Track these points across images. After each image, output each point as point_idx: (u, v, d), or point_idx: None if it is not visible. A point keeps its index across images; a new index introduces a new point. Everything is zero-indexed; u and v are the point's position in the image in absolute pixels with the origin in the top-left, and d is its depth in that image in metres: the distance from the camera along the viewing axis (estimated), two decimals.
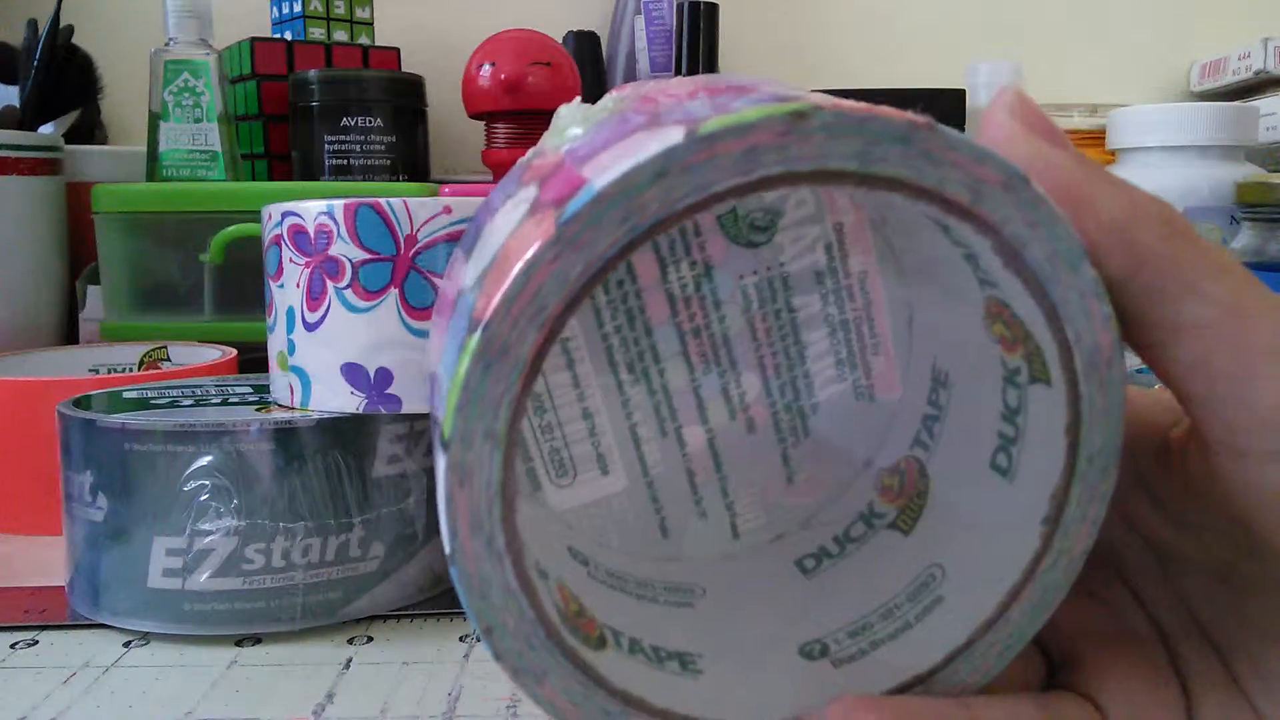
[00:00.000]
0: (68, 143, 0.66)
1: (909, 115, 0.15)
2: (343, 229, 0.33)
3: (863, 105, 0.15)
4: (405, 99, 0.67)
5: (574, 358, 0.22)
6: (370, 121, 0.65)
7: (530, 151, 0.19)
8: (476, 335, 0.15)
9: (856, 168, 0.15)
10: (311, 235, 0.33)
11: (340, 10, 0.72)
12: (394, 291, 0.33)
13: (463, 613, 0.34)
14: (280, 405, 0.35)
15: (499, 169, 0.66)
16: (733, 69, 0.84)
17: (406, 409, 0.33)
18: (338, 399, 0.34)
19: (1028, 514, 0.18)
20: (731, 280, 0.21)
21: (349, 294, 0.33)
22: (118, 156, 0.69)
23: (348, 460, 0.33)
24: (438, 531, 0.35)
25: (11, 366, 0.50)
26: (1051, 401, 0.17)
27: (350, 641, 0.32)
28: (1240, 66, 0.77)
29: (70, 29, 0.68)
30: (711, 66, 0.74)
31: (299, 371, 0.35)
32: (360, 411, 0.33)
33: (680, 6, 0.74)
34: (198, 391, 0.38)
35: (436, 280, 0.33)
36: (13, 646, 0.32)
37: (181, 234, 0.59)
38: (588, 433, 0.22)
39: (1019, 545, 0.18)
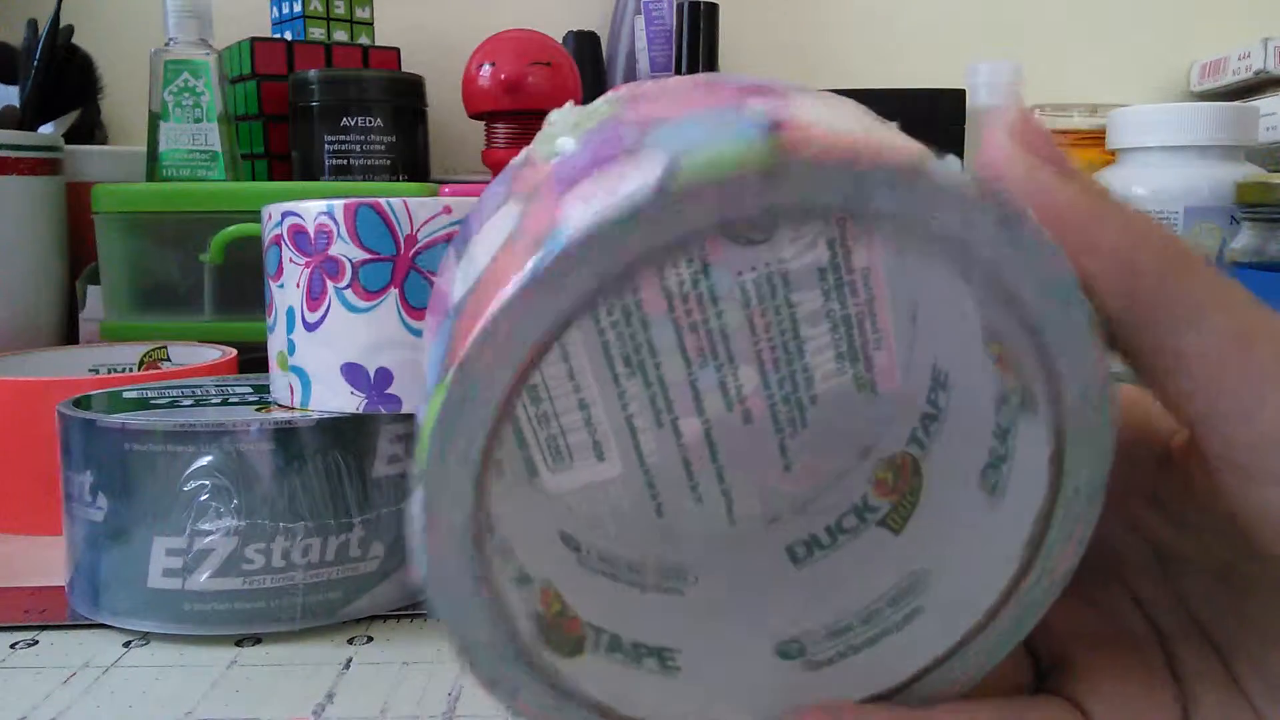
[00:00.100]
0: (68, 143, 0.66)
1: (897, 157, 0.15)
2: (343, 229, 0.33)
3: (849, 139, 0.15)
4: (405, 99, 0.67)
5: (570, 352, 0.22)
6: (370, 121, 0.65)
7: (522, 154, 0.19)
8: (450, 376, 0.15)
9: (843, 206, 0.15)
10: (311, 235, 0.33)
11: (340, 10, 0.72)
12: (394, 291, 0.33)
13: None
14: (280, 405, 0.35)
15: (499, 169, 0.66)
16: (733, 69, 0.84)
17: (406, 409, 0.33)
18: (338, 399, 0.34)
19: (1012, 533, 0.18)
20: (730, 277, 0.21)
21: (349, 294, 0.33)
22: (118, 156, 0.69)
23: (348, 460, 0.33)
24: None
25: (11, 366, 0.50)
26: (1038, 430, 0.17)
27: (350, 641, 0.32)
28: (1240, 66, 0.77)
29: (70, 29, 0.68)
30: (711, 66, 0.74)
31: (299, 371, 0.35)
32: (360, 411, 0.33)
33: (680, 6, 0.74)
34: (198, 391, 0.38)
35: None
36: (13, 646, 0.32)
37: (181, 234, 0.59)
38: (584, 422, 0.22)
39: (1001, 563, 0.18)
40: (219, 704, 0.29)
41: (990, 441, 0.19)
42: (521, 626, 0.17)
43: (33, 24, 0.68)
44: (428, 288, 0.33)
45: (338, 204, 0.33)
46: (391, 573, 0.34)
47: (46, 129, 0.69)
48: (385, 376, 0.33)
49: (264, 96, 0.69)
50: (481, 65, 0.63)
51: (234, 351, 0.51)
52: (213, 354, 0.51)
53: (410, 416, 0.34)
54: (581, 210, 0.15)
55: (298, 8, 0.71)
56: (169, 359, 0.54)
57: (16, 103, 0.68)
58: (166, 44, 0.62)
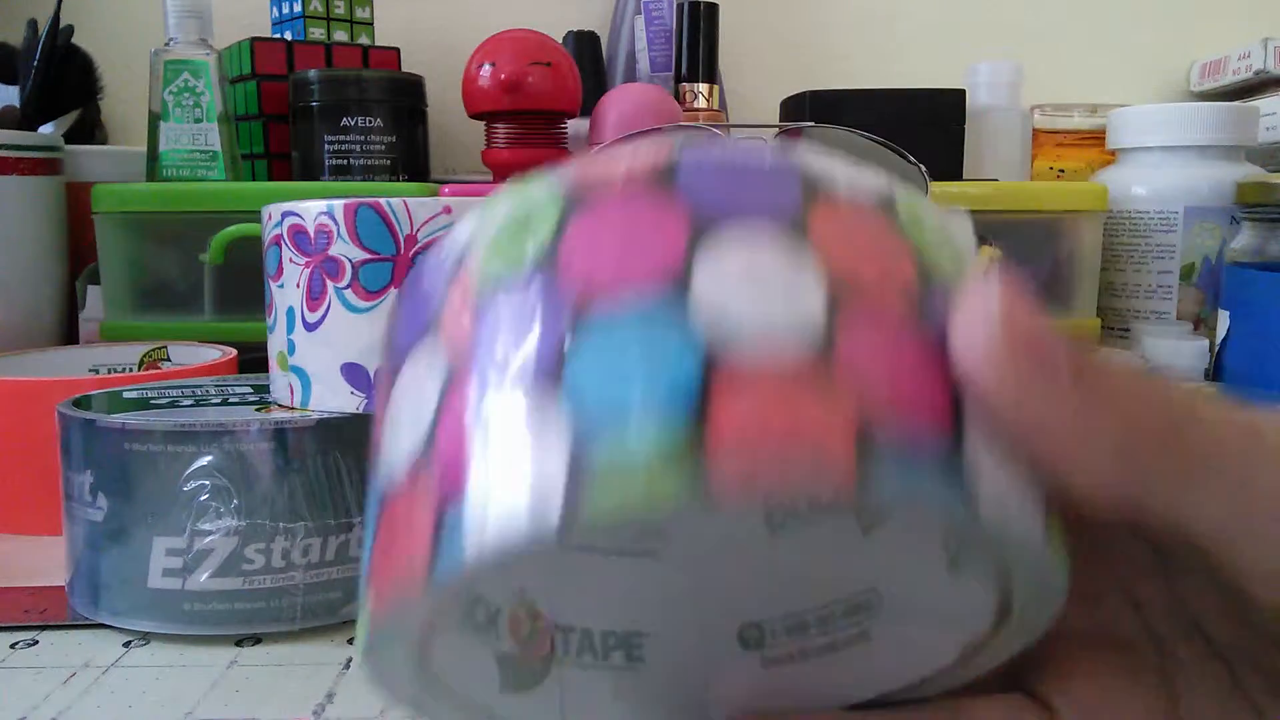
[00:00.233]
0: (68, 143, 0.66)
1: (830, 474, 0.13)
2: (343, 229, 0.33)
3: (780, 437, 0.13)
4: (405, 99, 0.67)
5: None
6: (370, 121, 0.65)
7: (457, 242, 0.16)
8: (365, 621, 0.15)
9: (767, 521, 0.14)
10: (311, 235, 0.33)
11: (340, 10, 0.72)
12: (394, 291, 0.33)
13: None
14: (280, 405, 0.35)
15: (499, 169, 0.66)
16: (733, 69, 0.84)
17: None
18: (338, 399, 0.34)
19: (978, 603, 0.18)
20: None
21: (349, 294, 0.33)
22: (118, 156, 0.69)
23: (348, 460, 0.33)
24: None
25: (11, 366, 0.50)
26: (983, 593, 0.17)
27: (350, 641, 0.32)
28: (1240, 66, 0.77)
29: (70, 29, 0.68)
30: (711, 66, 0.74)
31: (299, 371, 0.35)
32: (360, 411, 0.33)
33: (680, 6, 0.74)
34: (198, 391, 0.38)
35: None
36: (13, 646, 0.32)
37: (181, 234, 0.59)
38: None
39: (964, 624, 0.18)
40: (219, 704, 0.28)
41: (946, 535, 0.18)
42: (486, 682, 0.18)
43: (33, 24, 0.68)
44: None
45: (338, 204, 0.33)
46: None
47: (46, 129, 0.69)
48: None
49: (264, 96, 0.69)
50: (481, 65, 0.63)
51: (234, 351, 0.51)
52: (213, 354, 0.51)
53: None
54: (479, 518, 0.13)
55: (298, 8, 0.71)
56: (169, 359, 0.54)
57: (16, 103, 0.68)
58: (166, 44, 0.62)
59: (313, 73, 0.66)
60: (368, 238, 0.33)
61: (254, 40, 0.68)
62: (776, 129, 0.56)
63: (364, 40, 0.74)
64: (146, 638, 0.33)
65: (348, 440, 0.33)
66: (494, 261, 0.15)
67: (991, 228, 0.62)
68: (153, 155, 0.63)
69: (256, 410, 0.34)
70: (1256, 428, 0.15)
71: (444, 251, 0.16)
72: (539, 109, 0.64)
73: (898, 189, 0.16)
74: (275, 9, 0.73)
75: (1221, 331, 0.58)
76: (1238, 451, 0.15)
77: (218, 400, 0.36)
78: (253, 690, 0.29)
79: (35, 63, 0.66)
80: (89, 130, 0.74)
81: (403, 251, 0.33)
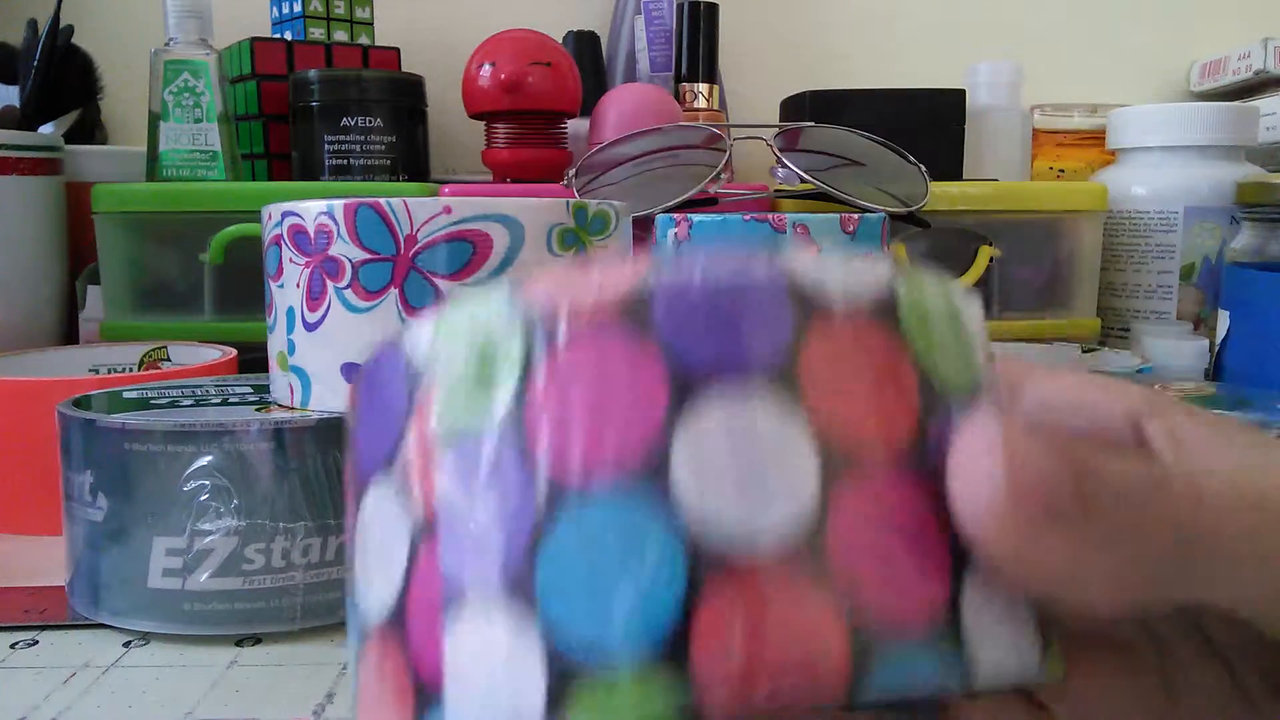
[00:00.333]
0: (68, 143, 0.66)
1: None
2: (343, 229, 0.33)
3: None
4: (405, 99, 0.67)
5: None
6: (370, 121, 0.65)
7: (418, 362, 0.15)
8: None
9: None
10: (311, 235, 0.33)
11: (340, 10, 0.72)
12: (394, 291, 0.33)
13: None
14: (280, 405, 0.35)
15: (499, 169, 0.66)
16: (733, 69, 0.84)
17: None
18: (338, 399, 0.34)
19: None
20: None
21: (349, 294, 0.33)
22: (118, 156, 0.69)
23: (347, 459, 0.33)
24: None
25: (11, 366, 0.50)
26: None
27: None
28: (1240, 66, 0.77)
29: (70, 29, 0.68)
30: (711, 66, 0.74)
31: (299, 371, 0.35)
32: None
33: (680, 6, 0.74)
34: (198, 391, 0.38)
35: (437, 280, 0.33)
36: (13, 646, 0.32)
37: (181, 234, 0.59)
38: None
39: None
40: (219, 704, 0.28)
41: None
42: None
43: (33, 24, 0.68)
44: (428, 288, 0.33)
45: (338, 204, 0.33)
46: None
47: (46, 129, 0.69)
48: None
49: (264, 96, 0.69)
50: (481, 65, 0.63)
51: (234, 351, 0.51)
52: (213, 354, 0.51)
53: None
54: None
55: (298, 8, 0.71)
56: (169, 359, 0.54)
57: (16, 103, 0.68)
58: (166, 44, 0.62)
59: (313, 73, 0.66)
60: (368, 238, 0.33)
61: (254, 40, 0.68)
62: (776, 129, 0.56)
63: (364, 40, 0.74)
64: (146, 638, 0.33)
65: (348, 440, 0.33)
66: (454, 410, 0.14)
67: (991, 228, 0.62)
68: (153, 155, 0.63)
69: (256, 410, 0.34)
70: (1262, 496, 0.15)
71: (403, 356, 0.15)
72: (539, 109, 0.64)
73: (899, 279, 0.14)
74: (275, 9, 0.73)
75: (1221, 331, 0.58)
76: (1248, 533, 0.14)
77: (218, 400, 0.36)
78: (253, 690, 0.29)
79: (35, 63, 0.66)
80: (89, 130, 0.74)
81: (403, 251, 0.33)
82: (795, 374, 0.13)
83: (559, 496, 0.13)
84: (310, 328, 0.34)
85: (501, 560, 0.13)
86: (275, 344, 0.36)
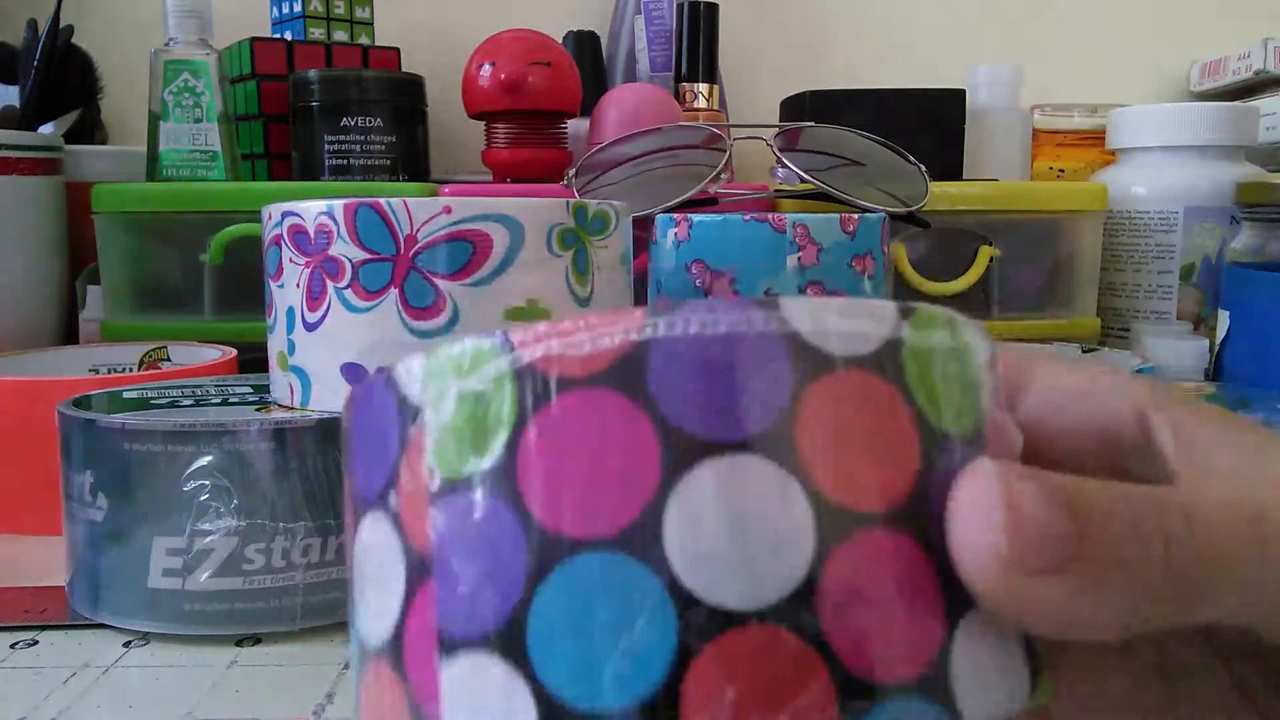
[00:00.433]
0: (68, 143, 0.66)
1: None
2: (343, 229, 0.33)
3: None
4: (405, 99, 0.67)
5: None
6: (370, 121, 0.65)
7: (413, 394, 0.14)
8: None
9: None
10: (311, 235, 0.33)
11: (340, 10, 0.72)
12: (394, 291, 0.33)
13: None
14: (280, 405, 0.35)
15: (499, 169, 0.66)
16: (733, 69, 0.84)
17: None
18: (338, 399, 0.34)
19: None
20: None
21: (349, 294, 0.33)
22: (118, 156, 0.69)
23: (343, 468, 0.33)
24: None
25: (11, 366, 0.50)
26: None
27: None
28: (1240, 66, 0.77)
29: (70, 29, 0.68)
30: (711, 66, 0.74)
31: (299, 371, 0.35)
32: None
33: (680, 6, 0.74)
34: (198, 391, 0.38)
35: (437, 280, 0.33)
36: (13, 646, 0.32)
37: (181, 234, 0.59)
38: None
39: None
40: (219, 704, 0.29)
41: None
42: None
43: (33, 24, 0.68)
44: (428, 288, 0.33)
45: (338, 204, 0.33)
46: None
47: (46, 129, 0.69)
48: None
49: (264, 96, 0.69)
50: (481, 65, 0.63)
51: (234, 351, 0.51)
52: (213, 354, 0.51)
53: None
54: None
55: (298, 8, 0.71)
56: (169, 359, 0.54)
57: (16, 103, 0.68)
58: (166, 44, 0.62)
59: (313, 73, 0.66)
60: (368, 238, 0.33)
61: (254, 40, 0.68)
62: (776, 129, 0.56)
63: (364, 40, 0.74)
64: (146, 638, 0.33)
65: None
66: (446, 459, 0.14)
67: (991, 228, 0.62)
68: (153, 155, 0.63)
69: (256, 410, 0.34)
70: (1262, 507, 0.15)
71: (396, 391, 0.15)
72: (539, 109, 0.64)
73: (903, 324, 0.14)
74: (275, 9, 0.73)
75: (1221, 331, 0.58)
76: (1247, 545, 0.14)
77: (218, 400, 0.36)
78: (253, 690, 0.29)
79: (35, 63, 0.66)
80: (89, 130, 0.74)
81: (403, 251, 0.33)
82: (791, 431, 0.13)
83: (550, 554, 0.13)
84: (310, 328, 0.34)
85: (493, 619, 0.13)
86: (275, 344, 0.36)
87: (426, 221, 0.32)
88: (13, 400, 0.42)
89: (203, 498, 0.32)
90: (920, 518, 0.14)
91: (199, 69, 0.62)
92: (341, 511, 0.33)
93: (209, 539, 0.32)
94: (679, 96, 0.73)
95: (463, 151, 0.82)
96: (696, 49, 0.74)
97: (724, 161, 0.54)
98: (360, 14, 0.74)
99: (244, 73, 0.69)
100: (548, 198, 0.35)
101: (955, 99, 0.67)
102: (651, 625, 0.12)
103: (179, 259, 0.60)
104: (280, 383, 0.36)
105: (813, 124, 0.58)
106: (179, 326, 0.59)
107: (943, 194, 0.61)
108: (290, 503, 0.32)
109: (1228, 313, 0.58)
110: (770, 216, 0.45)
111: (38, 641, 0.33)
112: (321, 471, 0.32)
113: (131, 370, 0.54)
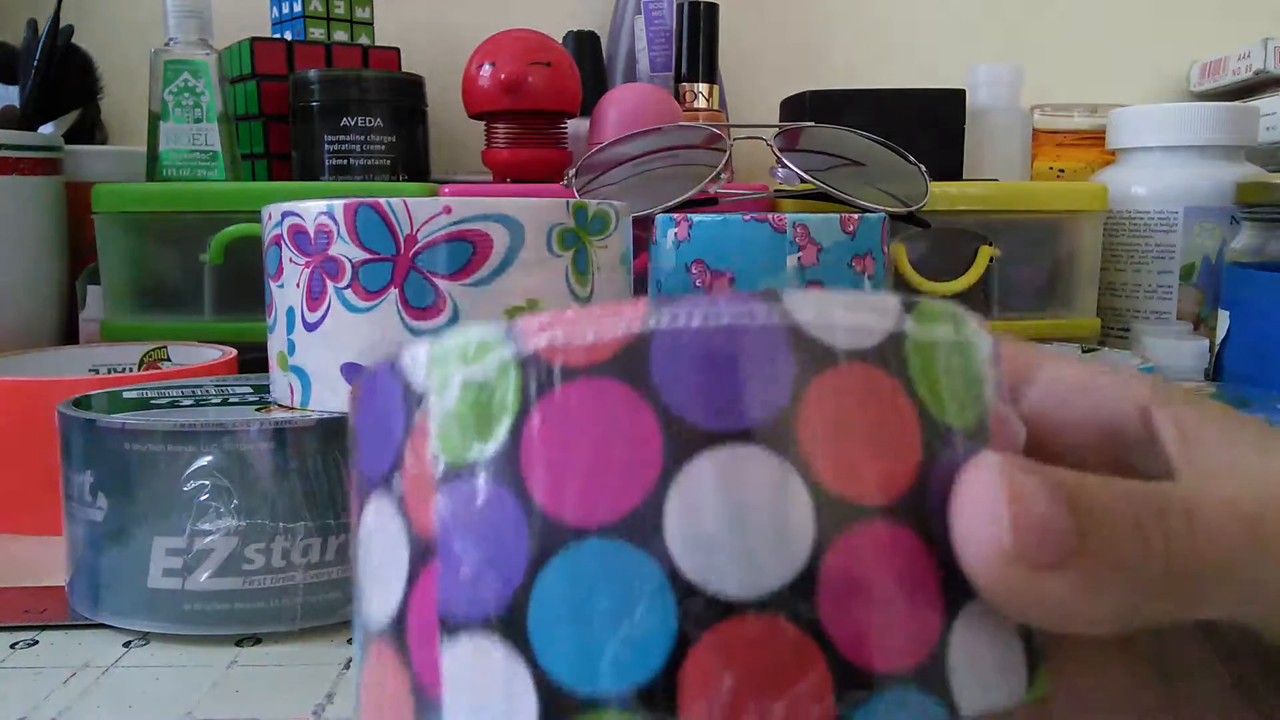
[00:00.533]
0: (68, 143, 0.66)
1: None
2: (343, 229, 0.33)
3: None
4: (405, 99, 0.67)
5: None
6: (370, 121, 0.65)
7: (418, 381, 0.14)
8: None
9: None
10: (311, 235, 0.33)
11: (340, 10, 0.72)
12: (394, 291, 0.33)
13: None
14: (280, 405, 0.35)
15: (499, 169, 0.66)
16: (733, 69, 0.84)
17: None
18: (338, 399, 0.34)
19: None
20: None
21: (349, 294, 0.33)
22: (118, 156, 0.69)
23: (348, 460, 0.33)
24: None
25: (11, 366, 0.50)
26: None
27: (350, 641, 0.32)
28: (1240, 66, 0.77)
29: (70, 29, 0.68)
30: (711, 66, 0.74)
31: (299, 371, 0.35)
32: None
33: (680, 6, 0.74)
34: (198, 391, 0.38)
35: (437, 280, 0.33)
36: (13, 646, 0.32)
37: (181, 234, 0.59)
38: None
39: None
40: (219, 704, 0.29)
41: None
42: None
43: (33, 24, 0.68)
44: (428, 288, 0.33)
45: (338, 204, 0.33)
46: None
47: (46, 129, 0.69)
48: None
49: (264, 96, 0.69)
50: (481, 65, 0.63)
51: (234, 351, 0.51)
52: (213, 354, 0.51)
53: None
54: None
55: (298, 8, 0.71)
56: (169, 359, 0.54)
57: (16, 103, 0.68)
58: (166, 44, 0.62)
59: (313, 73, 0.66)
60: (368, 238, 0.33)
61: (254, 40, 0.68)
62: (776, 129, 0.56)
63: (364, 40, 0.74)
64: (146, 638, 0.33)
65: (348, 440, 0.33)
66: (450, 446, 0.14)
67: (991, 228, 0.62)
68: (153, 155, 0.63)
69: (256, 410, 0.34)
70: (1261, 506, 0.15)
71: (401, 376, 0.15)
72: (539, 109, 0.64)
73: (905, 317, 0.14)
74: (275, 9, 0.73)
75: (1221, 331, 0.58)
76: (1246, 545, 0.14)
77: (218, 400, 0.36)
78: (253, 690, 0.29)
79: (35, 63, 0.66)
80: (89, 130, 0.74)
81: (403, 251, 0.33)
82: (793, 423, 0.13)
83: (552, 540, 0.13)
84: (310, 328, 0.34)
85: (494, 602, 0.13)
86: (275, 344, 0.36)
87: (426, 221, 0.32)
88: (13, 400, 0.42)
89: (203, 498, 0.32)
90: (921, 510, 0.14)
91: (199, 69, 0.62)
92: (342, 511, 0.33)
93: (209, 539, 0.32)
94: (679, 96, 0.73)
95: (463, 151, 0.82)
96: (696, 49, 0.74)
97: (724, 161, 0.54)
98: (360, 14, 0.74)
99: (244, 73, 0.69)
100: (548, 198, 0.35)
101: (955, 99, 0.67)
102: (651, 612, 0.13)
103: (179, 259, 0.60)
104: (280, 383, 0.36)
105: (813, 124, 0.58)
106: (179, 326, 0.59)
107: (943, 194, 0.61)
108: (290, 503, 0.32)
109: (1228, 313, 0.58)
110: (770, 216, 0.45)
111: (38, 641, 0.33)
112: (321, 471, 0.32)
113: (131, 370, 0.54)
